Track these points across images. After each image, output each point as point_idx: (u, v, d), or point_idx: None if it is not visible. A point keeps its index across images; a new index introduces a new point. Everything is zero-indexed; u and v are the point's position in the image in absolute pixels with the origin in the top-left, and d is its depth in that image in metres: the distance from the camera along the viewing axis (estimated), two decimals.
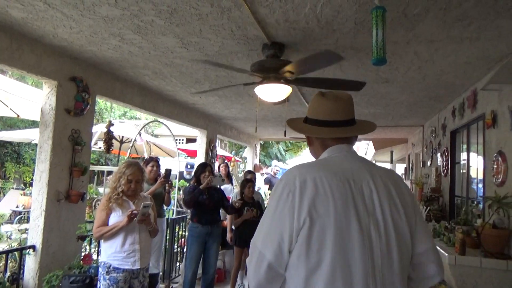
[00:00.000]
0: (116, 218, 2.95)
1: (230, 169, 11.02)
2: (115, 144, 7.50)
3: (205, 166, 4.73)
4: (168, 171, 4.53)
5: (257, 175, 10.89)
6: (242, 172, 14.00)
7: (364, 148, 15.58)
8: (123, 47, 3.53)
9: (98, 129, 7.08)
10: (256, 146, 11.23)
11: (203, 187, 4.47)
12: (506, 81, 3.27)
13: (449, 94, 4.89)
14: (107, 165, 12.91)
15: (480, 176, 4.21)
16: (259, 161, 12.53)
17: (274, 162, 16.86)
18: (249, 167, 11.17)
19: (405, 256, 1.31)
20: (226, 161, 8.88)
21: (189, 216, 6.01)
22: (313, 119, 1.48)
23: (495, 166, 3.58)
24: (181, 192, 7.40)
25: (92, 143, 6.91)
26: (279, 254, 1.26)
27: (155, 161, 4.75)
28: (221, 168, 7.16)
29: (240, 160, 14.48)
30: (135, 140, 6.39)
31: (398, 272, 1.27)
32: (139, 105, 5.15)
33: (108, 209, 2.97)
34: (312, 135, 1.51)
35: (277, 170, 10.94)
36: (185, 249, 5.25)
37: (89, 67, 4.15)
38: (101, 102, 13.59)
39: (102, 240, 3.05)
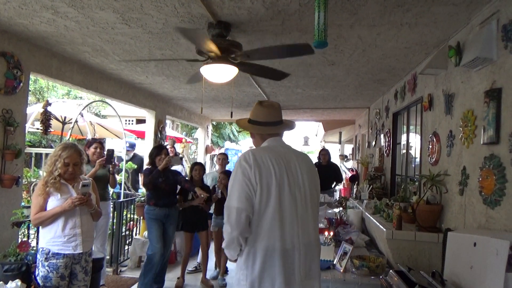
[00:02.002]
0: (55, 202, 2.80)
1: (181, 150, 10.87)
2: (57, 125, 7.11)
3: (161, 149, 4.65)
4: (111, 152, 4.38)
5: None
6: (194, 153, 13.89)
7: (315, 129, 15.97)
8: (58, 21, 3.29)
9: (36, 109, 6.64)
10: (208, 127, 11.10)
11: (161, 168, 4.40)
12: (441, 66, 3.45)
13: (391, 78, 5.08)
14: (50, 147, 12.21)
15: (418, 156, 4.46)
16: (212, 142, 12.44)
17: (227, 143, 16.85)
18: (201, 148, 11.05)
19: (315, 209, 2.17)
20: (176, 142, 8.72)
21: (137, 199, 5.91)
22: (255, 121, 2.22)
23: (430, 146, 3.80)
24: (129, 175, 7.20)
25: (29, 123, 6.50)
26: (251, 204, 1.97)
27: (98, 142, 4.56)
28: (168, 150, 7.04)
29: (192, 141, 14.29)
30: (76, 121, 6.06)
31: (311, 218, 2.11)
32: (80, 83, 4.85)
33: (45, 193, 2.80)
34: (255, 132, 2.25)
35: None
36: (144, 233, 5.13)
37: (21, 42, 3.83)
38: (42, 81, 12.71)
39: (40, 226, 2.89)
